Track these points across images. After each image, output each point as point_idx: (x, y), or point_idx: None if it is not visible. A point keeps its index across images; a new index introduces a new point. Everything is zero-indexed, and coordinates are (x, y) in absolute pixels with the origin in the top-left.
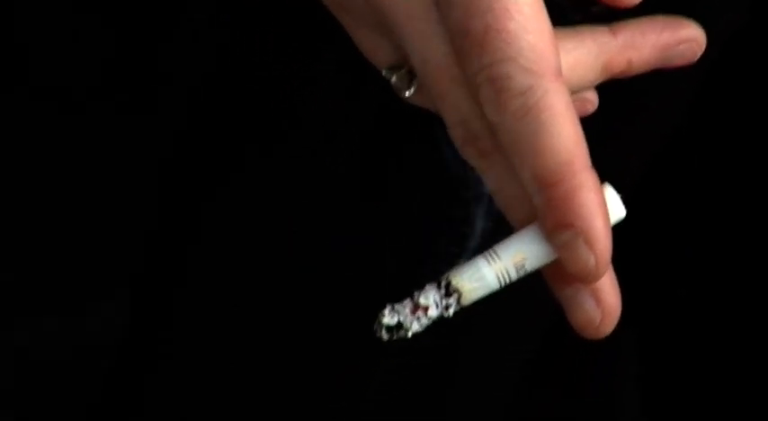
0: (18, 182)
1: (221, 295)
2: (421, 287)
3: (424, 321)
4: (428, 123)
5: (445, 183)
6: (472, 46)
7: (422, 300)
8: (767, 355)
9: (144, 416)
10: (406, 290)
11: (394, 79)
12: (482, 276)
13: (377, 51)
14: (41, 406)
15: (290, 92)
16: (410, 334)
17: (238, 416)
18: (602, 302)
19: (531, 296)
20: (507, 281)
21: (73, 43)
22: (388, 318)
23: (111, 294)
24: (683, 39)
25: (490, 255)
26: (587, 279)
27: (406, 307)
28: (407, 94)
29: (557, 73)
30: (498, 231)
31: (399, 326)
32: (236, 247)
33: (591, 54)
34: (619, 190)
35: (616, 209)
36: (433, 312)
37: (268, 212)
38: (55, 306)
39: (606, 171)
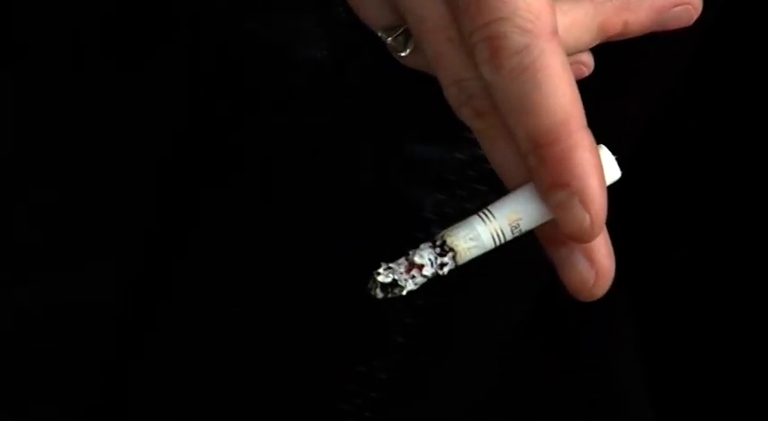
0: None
1: (220, 288)
2: (416, 246)
3: (419, 280)
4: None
5: (439, 145)
6: (469, 5)
7: (417, 259)
8: (762, 316)
9: (142, 381)
10: (402, 252)
11: (389, 40)
12: (477, 235)
13: (373, 12)
14: (39, 362)
15: (289, 92)
16: (405, 292)
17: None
18: (596, 263)
19: (525, 257)
20: (502, 240)
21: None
22: (383, 277)
23: (109, 253)
24: (678, 1)
25: (485, 215)
26: (582, 239)
27: (401, 265)
28: (403, 54)
29: (553, 32)
30: (493, 193)
31: (394, 284)
32: (235, 245)
33: (587, 15)
34: (614, 152)
35: (611, 170)
36: (428, 271)
37: (266, 210)
38: (54, 264)
39: (602, 133)
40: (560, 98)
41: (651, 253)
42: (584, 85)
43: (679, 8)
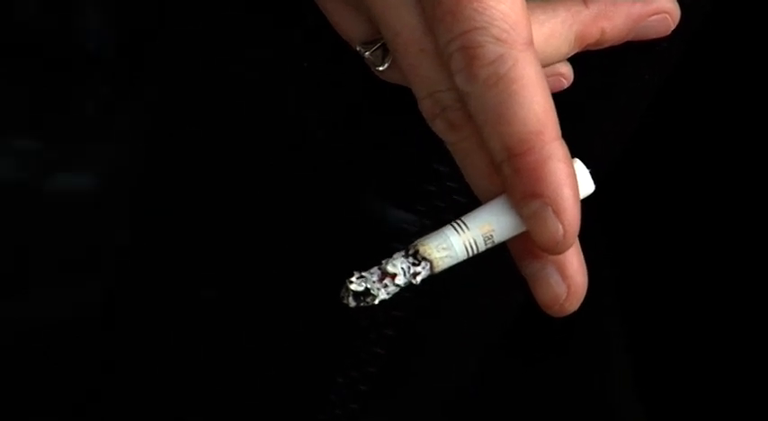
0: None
1: (201, 298)
2: (390, 256)
3: (392, 289)
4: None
5: (418, 158)
6: (444, 15)
7: (389, 268)
8: (750, 322)
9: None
10: (376, 261)
11: (367, 55)
12: (450, 245)
13: (349, 26)
14: (27, 371)
15: (279, 91)
16: (377, 301)
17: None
18: (569, 278)
19: (505, 267)
20: (475, 251)
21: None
22: (356, 285)
23: (94, 268)
24: (655, 10)
25: (458, 225)
26: (555, 250)
27: (373, 274)
28: (381, 68)
29: (528, 43)
30: (473, 205)
31: (367, 292)
32: (214, 256)
33: (564, 24)
34: (588, 165)
35: (585, 183)
36: (401, 280)
37: (245, 219)
38: (41, 279)
39: (578, 147)
40: (534, 107)
41: (638, 262)
42: (560, 99)
43: (656, 17)
